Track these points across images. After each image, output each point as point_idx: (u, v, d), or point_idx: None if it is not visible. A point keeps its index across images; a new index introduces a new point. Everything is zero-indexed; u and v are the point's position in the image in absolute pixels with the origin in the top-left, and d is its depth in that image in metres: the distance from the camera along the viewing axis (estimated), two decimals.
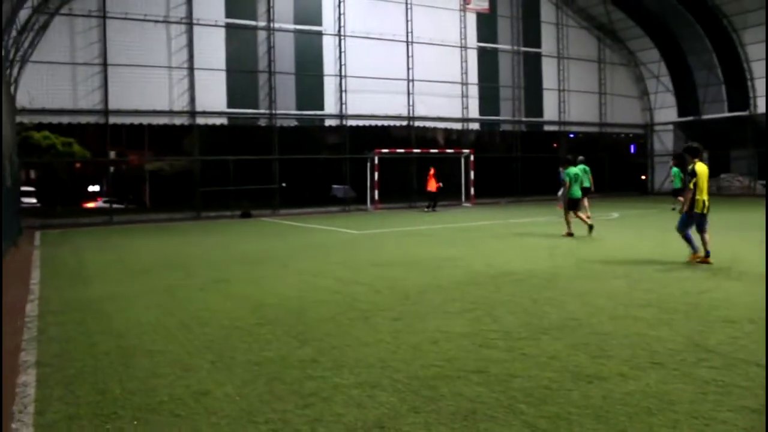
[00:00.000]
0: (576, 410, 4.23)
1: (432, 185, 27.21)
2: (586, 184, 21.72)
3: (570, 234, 15.32)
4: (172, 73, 26.10)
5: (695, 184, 10.40)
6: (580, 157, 22.87)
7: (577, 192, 15.56)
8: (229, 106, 27.31)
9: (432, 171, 27.45)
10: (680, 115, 37.83)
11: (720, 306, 7.27)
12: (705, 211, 10.47)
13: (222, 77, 27.12)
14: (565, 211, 15.81)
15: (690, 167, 10.61)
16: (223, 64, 27.11)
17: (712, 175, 36.19)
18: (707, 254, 10.54)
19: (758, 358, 5.25)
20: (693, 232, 10.67)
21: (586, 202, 21.45)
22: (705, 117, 36.35)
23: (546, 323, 6.66)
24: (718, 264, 10.38)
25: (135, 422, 4.22)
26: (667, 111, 38.43)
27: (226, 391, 4.76)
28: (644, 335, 6.07)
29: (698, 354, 5.42)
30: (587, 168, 22.08)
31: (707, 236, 10.58)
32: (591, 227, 15.18)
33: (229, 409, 4.41)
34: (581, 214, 15.78)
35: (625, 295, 8.08)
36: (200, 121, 26.87)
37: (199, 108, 26.48)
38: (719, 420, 4.01)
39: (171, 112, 26.16)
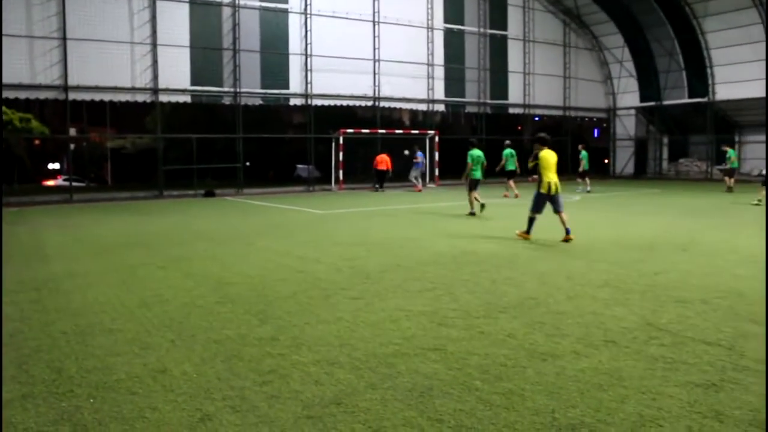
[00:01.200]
0: (530, 386, 4.33)
1: (387, 165, 28.16)
2: (512, 167, 23.51)
3: (472, 213, 16.25)
4: (134, 49, 25.54)
5: (536, 166, 11.40)
6: (507, 141, 24.63)
7: (477, 173, 16.29)
8: (193, 83, 26.85)
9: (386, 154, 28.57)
10: (642, 100, 38.41)
11: (674, 287, 7.46)
12: (553, 193, 11.31)
13: (186, 54, 26.62)
14: (468, 192, 16.59)
15: (536, 153, 11.56)
16: (186, 41, 26.58)
17: (672, 159, 37.23)
18: (567, 232, 11.20)
19: (705, 336, 5.43)
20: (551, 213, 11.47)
21: (512, 183, 22.61)
22: (666, 102, 37.01)
23: (504, 302, 6.77)
24: (674, 246, 10.68)
25: (91, 400, 4.19)
26: (629, 96, 38.97)
27: (184, 369, 4.76)
28: (599, 314, 6.22)
29: (650, 332, 5.58)
30: (513, 152, 23.78)
31: (564, 216, 11.35)
32: (482, 206, 16.21)
33: (187, 386, 4.41)
34: (477, 195, 16.43)
35: (583, 275, 8.24)
36: (163, 98, 26.39)
37: (162, 85, 25.99)
38: (666, 395, 4.14)
39: (133, 89, 25.64)
